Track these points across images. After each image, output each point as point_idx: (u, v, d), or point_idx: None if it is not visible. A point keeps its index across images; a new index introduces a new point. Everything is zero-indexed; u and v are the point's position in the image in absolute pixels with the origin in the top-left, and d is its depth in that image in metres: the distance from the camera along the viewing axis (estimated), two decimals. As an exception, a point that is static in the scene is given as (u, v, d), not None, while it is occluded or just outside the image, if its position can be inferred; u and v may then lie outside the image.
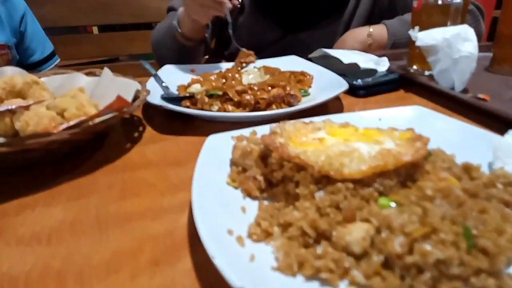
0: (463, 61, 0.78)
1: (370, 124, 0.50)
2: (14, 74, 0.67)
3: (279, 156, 0.43)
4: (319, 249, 0.34)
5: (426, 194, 0.34)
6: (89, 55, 1.99)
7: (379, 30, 1.15)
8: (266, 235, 0.37)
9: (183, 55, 1.11)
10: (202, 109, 0.70)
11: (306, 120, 0.53)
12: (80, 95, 0.62)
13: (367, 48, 1.14)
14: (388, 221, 0.32)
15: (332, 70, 0.86)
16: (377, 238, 0.32)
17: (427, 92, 0.82)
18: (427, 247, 0.29)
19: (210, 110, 0.70)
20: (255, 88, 0.72)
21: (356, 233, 0.33)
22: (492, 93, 0.77)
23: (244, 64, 0.92)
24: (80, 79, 0.74)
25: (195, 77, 0.89)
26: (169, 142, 0.65)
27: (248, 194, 0.44)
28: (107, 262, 0.37)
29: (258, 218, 0.38)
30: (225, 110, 0.70)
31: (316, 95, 0.79)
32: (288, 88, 0.73)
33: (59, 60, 1.55)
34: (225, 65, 0.97)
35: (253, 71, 0.85)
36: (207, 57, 1.46)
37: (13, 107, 0.55)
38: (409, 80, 0.88)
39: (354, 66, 0.90)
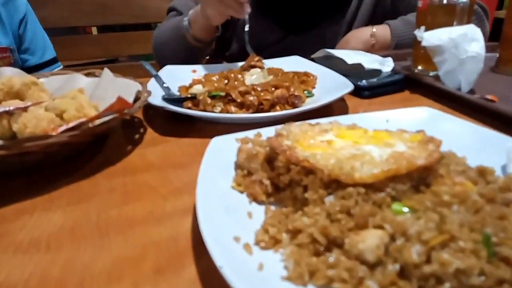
0: (470, 61, 0.76)
1: (377, 126, 0.49)
2: (12, 75, 0.65)
3: (286, 159, 0.41)
4: (330, 257, 0.32)
5: (443, 199, 0.33)
6: (88, 56, 1.97)
7: (382, 31, 1.14)
8: (274, 242, 0.35)
9: (189, 56, 1.09)
10: (205, 111, 0.69)
11: (312, 121, 0.52)
12: (79, 96, 0.61)
13: (370, 49, 1.12)
14: (403, 228, 0.31)
15: (336, 71, 0.84)
16: (391, 246, 0.31)
17: (433, 93, 0.81)
18: (446, 256, 0.28)
19: (213, 112, 0.68)
20: (259, 89, 0.71)
21: (369, 241, 0.31)
22: (498, 94, 0.76)
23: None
24: (80, 80, 0.72)
25: (196, 77, 0.88)
26: (170, 144, 0.63)
27: (254, 198, 0.42)
28: (108, 270, 0.36)
29: (265, 224, 0.37)
30: (227, 112, 0.69)
31: (320, 96, 0.77)
32: (292, 89, 0.71)
33: (61, 67, 1.51)
34: (227, 66, 0.96)
35: (256, 72, 0.83)
36: (207, 57, 1.45)
37: (11, 108, 0.53)
38: (414, 81, 0.86)
39: (358, 66, 0.88)
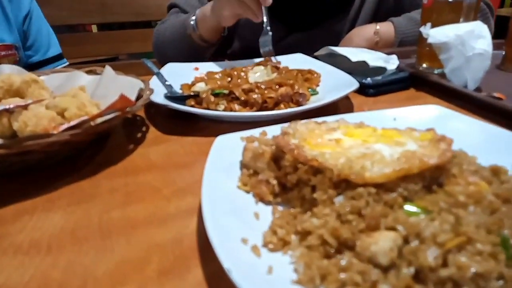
0: (476, 58, 0.75)
1: (385, 124, 0.48)
2: (12, 73, 0.64)
3: (293, 158, 0.40)
4: (342, 260, 0.31)
5: (458, 200, 0.31)
6: (88, 54, 1.96)
7: (386, 28, 1.12)
8: (283, 244, 0.34)
9: (193, 55, 1.06)
10: (208, 109, 0.68)
11: (318, 119, 0.51)
12: (81, 94, 0.59)
13: (374, 46, 1.11)
14: (417, 229, 0.30)
15: (339, 68, 0.83)
16: (405, 248, 0.30)
17: (439, 91, 0.80)
18: (463, 259, 0.27)
19: (216, 110, 0.67)
20: (262, 86, 0.70)
21: (382, 243, 0.30)
22: (504, 91, 0.75)
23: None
24: (81, 77, 0.71)
25: (198, 75, 0.87)
26: (173, 143, 0.62)
27: (261, 198, 0.41)
28: (111, 274, 0.35)
29: (273, 226, 0.36)
30: (231, 110, 0.68)
31: (325, 94, 0.76)
32: (296, 87, 0.70)
33: (66, 64, 1.48)
34: (230, 63, 0.95)
35: (259, 69, 0.82)
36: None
37: (11, 106, 0.52)
38: (419, 78, 0.85)
39: (363, 64, 0.87)
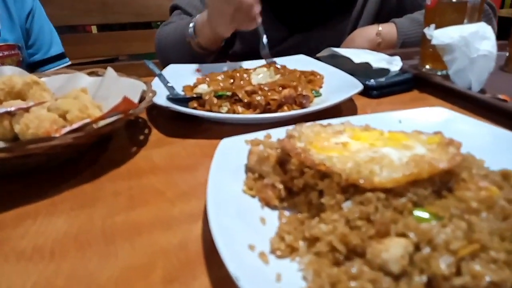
0: (481, 60, 0.75)
1: (390, 127, 0.47)
2: (13, 74, 0.63)
3: (300, 162, 0.39)
4: (350, 267, 0.30)
5: (470, 206, 0.31)
6: (88, 55, 1.95)
7: (388, 29, 1.12)
8: (291, 251, 0.33)
9: (194, 60, 1.03)
10: (211, 111, 0.67)
11: (323, 122, 0.50)
12: (82, 96, 0.59)
13: (376, 47, 1.11)
14: (429, 236, 0.29)
15: (342, 70, 0.82)
16: (416, 255, 0.29)
17: (442, 93, 0.79)
18: (478, 267, 0.26)
19: (219, 112, 0.67)
20: (266, 88, 0.69)
21: (393, 250, 0.29)
22: (509, 93, 0.74)
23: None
24: (82, 79, 0.70)
25: (200, 76, 0.86)
26: (176, 145, 0.61)
27: (267, 203, 0.40)
28: (116, 280, 0.34)
29: (280, 231, 0.35)
30: (234, 112, 0.67)
31: (328, 95, 0.76)
32: (299, 89, 0.70)
33: (68, 63, 1.47)
34: (232, 65, 0.94)
35: (262, 71, 0.81)
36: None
37: (12, 109, 0.51)
38: (423, 80, 0.85)
39: (365, 65, 0.86)
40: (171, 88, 0.75)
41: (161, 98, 0.67)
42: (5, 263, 0.37)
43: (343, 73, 0.81)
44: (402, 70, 0.86)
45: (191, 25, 1.02)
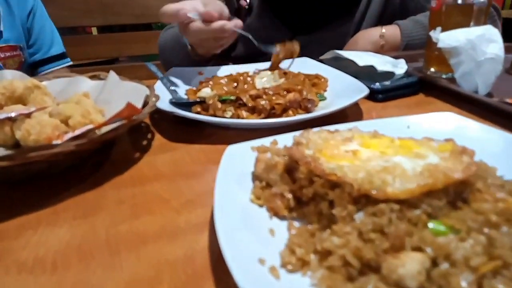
0: (488, 63, 0.74)
1: (398, 132, 0.46)
2: (14, 78, 0.62)
3: (310, 171, 0.38)
4: (365, 282, 0.29)
5: (490, 219, 0.30)
6: (89, 55, 1.94)
7: (392, 31, 1.11)
8: (302, 264, 0.32)
9: (194, 65, 1.03)
10: (215, 115, 0.66)
11: (331, 128, 0.49)
12: (85, 100, 0.58)
13: (379, 50, 1.09)
14: (447, 251, 0.28)
15: (346, 73, 0.81)
16: (434, 271, 0.28)
17: (449, 96, 0.78)
18: (501, 286, 0.25)
19: (224, 117, 0.65)
20: (270, 92, 0.68)
21: (409, 265, 0.28)
22: (515, 97, 0.73)
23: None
24: (84, 83, 0.69)
25: (203, 79, 0.85)
26: (180, 151, 0.60)
27: (275, 213, 0.39)
28: (121, 294, 0.33)
29: (291, 244, 0.34)
30: (238, 116, 0.66)
31: (333, 99, 0.75)
32: (304, 93, 0.69)
33: (69, 63, 1.45)
34: (235, 68, 0.93)
35: (266, 74, 0.80)
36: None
37: (14, 114, 0.50)
38: (429, 83, 0.84)
39: (370, 68, 0.85)
40: (174, 92, 0.74)
41: (164, 103, 0.66)
42: (6, 275, 0.36)
43: (348, 76, 0.79)
44: (407, 73, 0.85)
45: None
